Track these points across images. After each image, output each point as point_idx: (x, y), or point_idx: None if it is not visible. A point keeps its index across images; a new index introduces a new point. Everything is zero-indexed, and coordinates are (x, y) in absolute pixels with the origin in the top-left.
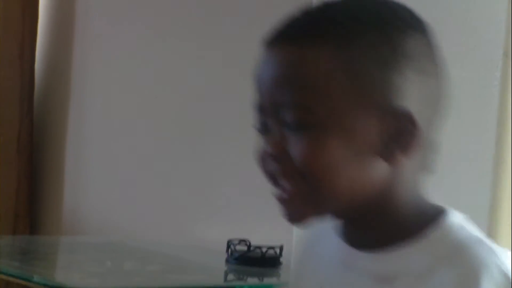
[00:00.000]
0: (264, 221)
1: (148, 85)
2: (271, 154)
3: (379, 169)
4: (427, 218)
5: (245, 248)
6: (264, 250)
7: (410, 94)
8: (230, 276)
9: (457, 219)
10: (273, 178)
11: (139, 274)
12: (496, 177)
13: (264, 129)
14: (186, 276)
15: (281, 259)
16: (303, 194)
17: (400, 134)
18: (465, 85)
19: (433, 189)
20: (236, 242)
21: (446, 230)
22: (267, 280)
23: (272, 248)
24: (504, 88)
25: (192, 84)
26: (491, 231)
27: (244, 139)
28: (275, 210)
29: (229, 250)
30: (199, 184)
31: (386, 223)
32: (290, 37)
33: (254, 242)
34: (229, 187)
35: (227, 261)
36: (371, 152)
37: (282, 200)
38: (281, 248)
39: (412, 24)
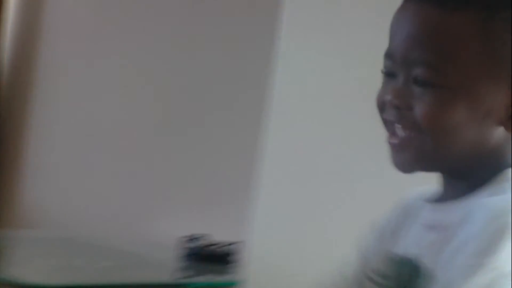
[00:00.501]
0: (222, 218)
1: (110, 82)
2: (393, 102)
3: (496, 135)
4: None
5: (201, 244)
6: (221, 246)
7: None
8: (184, 273)
9: None
10: (389, 126)
11: (90, 269)
12: None
13: (390, 76)
14: (139, 272)
15: (238, 256)
16: (416, 146)
17: None
18: None
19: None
20: (193, 238)
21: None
22: (222, 277)
23: (230, 244)
24: None
25: (157, 83)
26: None
27: (204, 135)
28: (234, 207)
29: (186, 246)
30: (156, 179)
31: (481, 176)
32: None
33: (212, 238)
34: (186, 183)
35: (182, 257)
36: (494, 120)
37: (394, 147)
38: (238, 245)
39: None
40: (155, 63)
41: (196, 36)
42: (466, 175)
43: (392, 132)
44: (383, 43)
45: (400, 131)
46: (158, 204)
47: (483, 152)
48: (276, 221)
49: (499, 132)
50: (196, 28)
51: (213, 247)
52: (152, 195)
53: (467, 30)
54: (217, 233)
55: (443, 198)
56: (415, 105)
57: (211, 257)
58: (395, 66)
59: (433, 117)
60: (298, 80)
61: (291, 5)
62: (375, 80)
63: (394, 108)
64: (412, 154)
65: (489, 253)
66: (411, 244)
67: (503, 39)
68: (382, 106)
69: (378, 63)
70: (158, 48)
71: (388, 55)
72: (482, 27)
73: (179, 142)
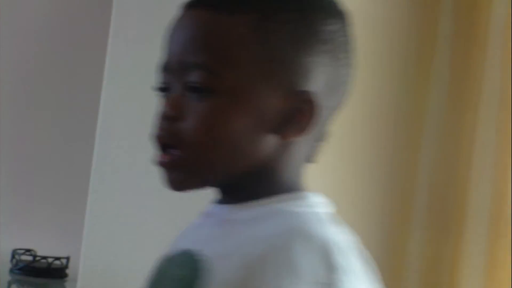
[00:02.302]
0: (51, 232)
1: None
2: (167, 113)
3: (271, 144)
4: (290, 189)
5: (30, 258)
6: (50, 260)
7: (318, 78)
8: (13, 287)
9: (314, 198)
10: (161, 142)
11: None
12: None
13: (165, 90)
14: None
15: (67, 271)
16: (187, 161)
17: (298, 113)
18: None
19: None
20: (22, 252)
21: (295, 197)
22: None
23: (59, 259)
24: None
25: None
26: None
27: (33, 146)
28: (63, 221)
29: (14, 259)
30: None
31: (258, 187)
32: (208, 1)
33: (41, 252)
34: (16, 195)
35: (11, 271)
36: (268, 127)
37: (164, 165)
38: (67, 259)
39: (332, 12)
40: None
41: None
42: (241, 188)
43: (161, 152)
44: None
45: (171, 147)
46: None
47: (255, 164)
48: (106, 235)
49: (275, 146)
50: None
51: (45, 260)
52: None
53: (242, 33)
54: (47, 247)
55: (226, 200)
56: (189, 114)
57: (43, 271)
58: (171, 77)
59: (207, 123)
60: (126, 91)
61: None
62: None
63: (167, 121)
64: (181, 173)
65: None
66: (193, 239)
67: (277, 43)
68: (157, 124)
69: None
70: None
71: (164, 68)
72: (257, 31)
73: (8, 150)
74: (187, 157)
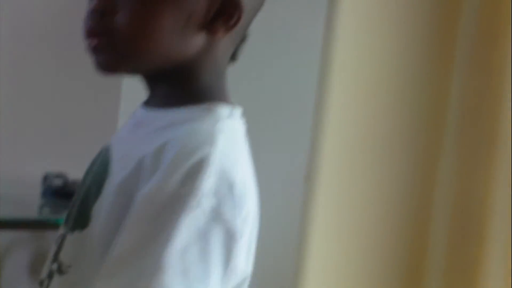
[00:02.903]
0: (82, 156)
1: None
2: (97, 7)
3: (199, 41)
4: (206, 97)
5: (61, 182)
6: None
7: None
8: (45, 210)
9: (224, 111)
10: (90, 33)
11: None
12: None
13: None
14: (1, 209)
15: None
16: (116, 46)
17: (225, 12)
18: None
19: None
20: (53, 175)
21: (204, 109)
22: None
23: None
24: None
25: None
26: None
27: (60, 76)
28: (95, 145)
29: (45, 183)
30: (15, 116)
31: (184, 87)
32: None
33: (72, 176)
34: (45, 120)
35: (43, 194)
36: (197, 23)
37: (93, 50)
38: None
39: None
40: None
41: None
42: (165, 81)
43: (91, 36)
44: None
45: (99, 34)
46: (20, 141)
47: (184, 59)
48: None
49: (202, 41)
50: None
51: (72, 185)
52: (14, 132)
53: None
54: (74, 171)
55: (149, 103)
56: (119, 9)
57: (69, 195)
58: None
59: (137, 18)
60: None
61: None
62: None
63: (97, 15)
64: (110, 55)
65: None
66: (116, 136)
67: None
68: (86, 18)
69: None
70: None
71: None
72: None
73: (36, 81)
74: (116, 42)
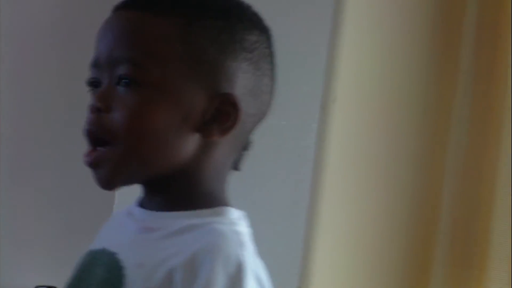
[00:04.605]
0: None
1: None
2: (95, 105)
3: (194, 143)
4: (212, 201)
5: None
6: None
7: (241, 84)
8: None
9: (234, 214)
10: (90, 136)
11: None
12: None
13: (96, 86)
14: None
15: None
16: (114, 158)
17: (222, 115)
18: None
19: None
20: None
21: (217, 213)
22: None
23: None
24: (321, 138)
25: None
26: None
27: (55, 184)
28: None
29: None
30: (7, 227)
31: (187, 191)
32: (136, 4)
33: None
34: (38, 231)
35: None
36: (192, 125)
37: (90, 164)
38: None
39: (257, 25)
40: None
41: None
42: (166, 185)
43: (89, 150)
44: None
45: (98, 145)
46: (11, 253)
47: (180, 162)
48: None
49: (198, 145)
50: None
51: None
52: (5, 243)
53: (169, 32)
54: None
55: (149, 204)
56: (117, 106)
57: None
58: (100, 72)
59: (133, 117)
60: None
61: None
62: None
63: (95, 113)
64: (107, 170)
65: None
66: (117, 240)
67: (202, 44)
68: (87, 119)
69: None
70: None
71: (93, 64)
72: (183, 31)
73: (35, 190)
74: (114, 149)
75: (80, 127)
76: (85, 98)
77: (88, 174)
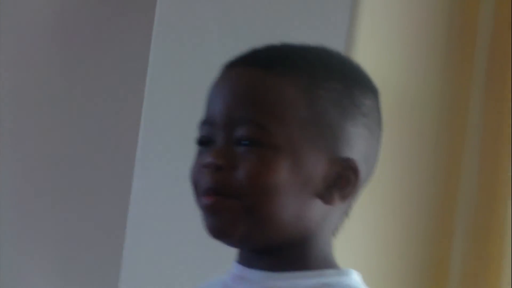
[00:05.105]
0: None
1: None
2: (215, 163)
3: (315, 209)
4: (327, 263)
5: None
6: None
7: (358, 148)
8: None
9: (356, 275)
10: (206, 190)
11: None
12: None
13: (206, 144)
14: None
15: None
16: (237, 210)
17: (342, 180)
18: None
19: None
20: None
21: (343, 273)
22: None
23: None
24: None
25: None
26: None
27: (61, 186)
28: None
29: None
30: (8, 231)
31: (297, 253)
32: (256, 62)
33: None
34: (42, 237)
35: None
36: (313, 190)
37: (213, 210)
38: None
39: (370, 88)
40: None
41: None
42: (278, 254)
43: (206, 193)
44: None
45: (220, 194)
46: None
47: (301, 228)
48: None
49: (318, 210)
50: None
51: None
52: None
53: (291, 94)
54: None
55: (257, 262)
56: (239, 164)
57: None
58: (215, 131)
59: (258, 174)
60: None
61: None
62: None
63: (214, 172)
64: (227, 218)
65: None
66: None
67: (325, 107)
68: (197, 174)
69: None
70: None
71: (206, 122)
72: (306, 93)
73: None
74: (238, 201)
75: (80, 127)
76: (85, 98)
77: (96, 178)
